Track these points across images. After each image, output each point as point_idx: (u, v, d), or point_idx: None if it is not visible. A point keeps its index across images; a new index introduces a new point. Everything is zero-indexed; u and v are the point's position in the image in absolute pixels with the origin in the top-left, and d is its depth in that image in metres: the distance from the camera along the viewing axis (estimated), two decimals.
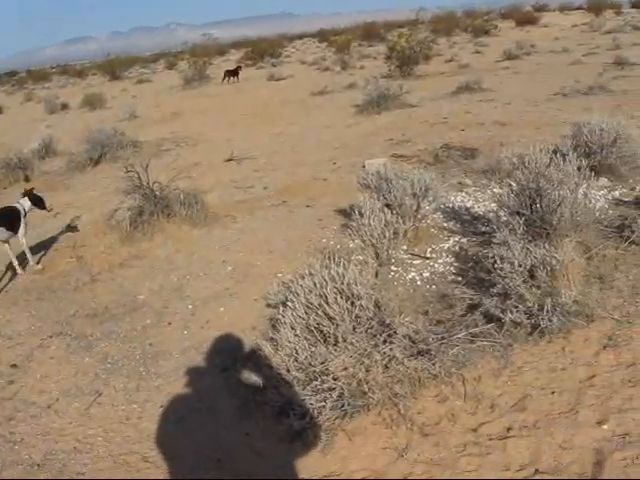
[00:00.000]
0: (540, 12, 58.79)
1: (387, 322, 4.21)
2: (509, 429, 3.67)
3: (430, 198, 6.31)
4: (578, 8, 62.26)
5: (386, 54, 24.41)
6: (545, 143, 6.83)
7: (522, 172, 5.32)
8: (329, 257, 4.63)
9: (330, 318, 4.13)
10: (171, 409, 4.48)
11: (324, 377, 3.95)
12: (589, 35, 33.02)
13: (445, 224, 6.75)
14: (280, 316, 4.37)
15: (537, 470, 3.38)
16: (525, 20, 50.68)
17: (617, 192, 6.81)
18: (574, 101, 13.05)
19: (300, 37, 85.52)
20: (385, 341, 4.03)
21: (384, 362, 3.94)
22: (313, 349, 4.08)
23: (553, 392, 3.90)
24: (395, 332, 4.10)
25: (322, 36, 67.10)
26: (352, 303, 4.15)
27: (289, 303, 4.35)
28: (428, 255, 6.02)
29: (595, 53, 22.85)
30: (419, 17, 68.01)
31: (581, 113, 9.81)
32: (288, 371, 4.10)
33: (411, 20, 68.15)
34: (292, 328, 4.23)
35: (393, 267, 5.89)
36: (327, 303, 4.15)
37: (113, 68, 49.08)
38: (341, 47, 42.17)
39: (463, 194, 7.68)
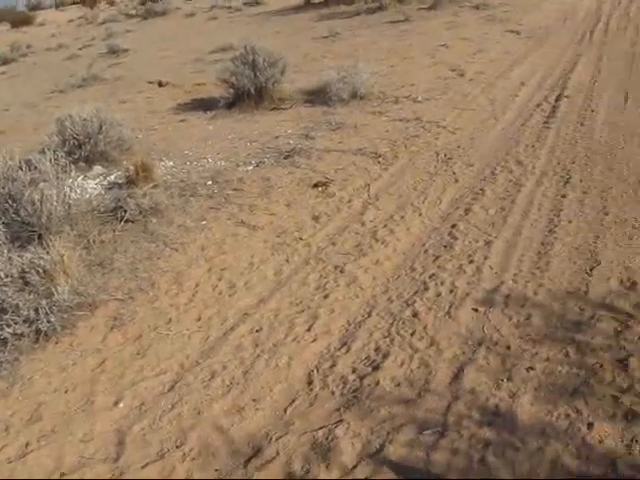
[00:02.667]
0: (36, 11, 57.87)
1: None
2: (27, 445, 3.60)
3: None
4: (74, 3, 62.81)
5: None
6: (40, 144, 6.81)
7: None
8: None
9: None
10: None
11: None
12: (85, 28, 33.72)
13: None
14: None
15: (62, 473, 3.38)
16: (20, 21, 49.36)
17: (112, 176, 7.13)
18: (71, 96, 13.23)
19: None
20: None
21: None
22: None
23: (67, 391, 3.94)
24: None
25: None
26: None
27: None
28: None
29: (91, 45, 23.47)
30: None
31: (79, 106, 9.96)
32: None
33: None
34: None
35: None
36: None
37: None
38: None
39: None
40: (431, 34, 14.56)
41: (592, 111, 7.81)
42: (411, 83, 10.10)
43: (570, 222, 5.11)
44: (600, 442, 3.05)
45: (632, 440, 3.03)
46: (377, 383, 3.62)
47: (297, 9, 23.56)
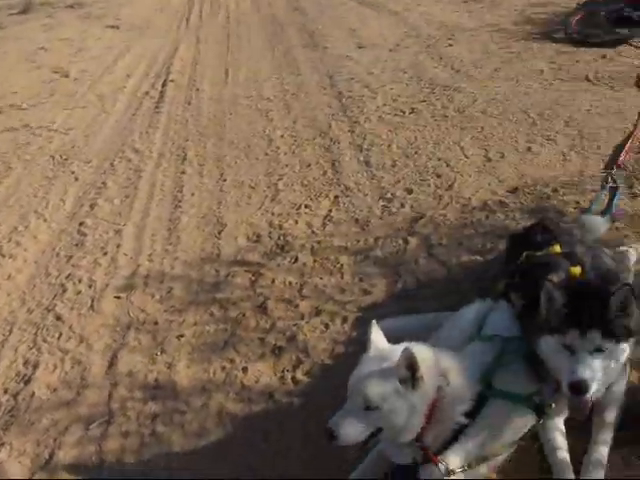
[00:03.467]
0: None
1: None
2: None
3: None
4: None
5: None
6: None
7: None
8: None
9: None
10: None
11: None
12: None
13: None
14: None
15: None
16: None
17: None
18: None
19: None
20: None
21: None
22: None
23: None
24: None
25: None
26: None
27: None
28: None
29: None
30: None
31: None
32: None
33: None
34: None
35: None
36: None
37: None
38: None
39: None
40: (28, 39, 13.98)
41: (197, 90, 8.32)
42: (13, 91, 9.66)
43: (193, 195, 5.46)
44: (257, 382, 3.38)
45: (282, 371, 3.41)
46: (32, 395, 3.57)
47: None
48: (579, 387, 2.29)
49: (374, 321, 2.59)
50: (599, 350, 2.34)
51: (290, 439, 3.00)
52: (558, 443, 2.59)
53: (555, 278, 2.71)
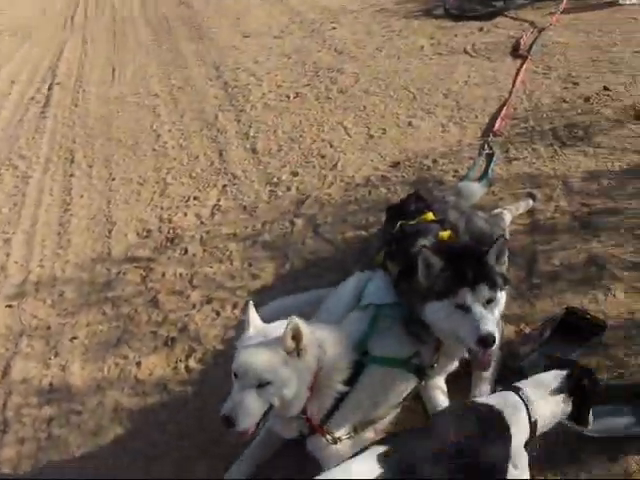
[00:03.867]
0: None
1: None
2: None
3: None
4: None
5: None
6: None
7: None
8: None
9: None
10: None
11: None
12: None
13: None
14: None
15: None
16: None
17: None
18: None
19: None
20: None
21: None
22: None
23: None
24: None
25: None
26: None
27: None
28: None
29: None
30: None
31: None
32: None
33: None
34: None
35: None
36: None
37: None
38: None
39: None
40: None
41: (84, 91, 8.12)
42: None
43: (82, 196, 5.39)
44: (150, 374, 3.41)
45: (176, 361, 3.43)
46: None
47: None
48: (487, 340, 2.35)
49: (250, 302, 2.60)
50: (489, 302, 2.43)
51: (186, 427, 3.03)
52: (439, 401, 2.69)
53: (426, 243, 2.78)
